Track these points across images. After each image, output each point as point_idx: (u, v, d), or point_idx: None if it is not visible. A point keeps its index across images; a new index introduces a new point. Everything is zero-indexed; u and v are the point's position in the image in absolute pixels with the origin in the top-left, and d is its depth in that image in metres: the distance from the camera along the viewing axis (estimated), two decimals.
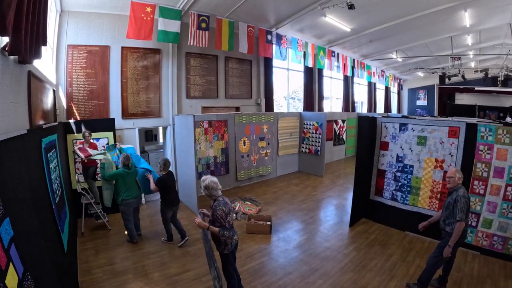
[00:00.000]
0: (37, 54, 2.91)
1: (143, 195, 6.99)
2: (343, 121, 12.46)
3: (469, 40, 11.06)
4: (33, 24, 2.50)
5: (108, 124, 6.10)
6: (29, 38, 2.45)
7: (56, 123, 4.74)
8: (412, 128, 5.18)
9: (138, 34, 5.99)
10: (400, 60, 14.17)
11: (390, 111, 19.19)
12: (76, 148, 5.20)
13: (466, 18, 8.39)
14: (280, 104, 11.77)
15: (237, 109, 9.15)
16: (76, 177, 5.69)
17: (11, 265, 1.51)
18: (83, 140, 5.44)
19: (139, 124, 6.94)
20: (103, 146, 5.76)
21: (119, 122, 6.49)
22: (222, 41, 7.43)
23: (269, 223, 5.33)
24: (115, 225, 5.56)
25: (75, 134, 5.70)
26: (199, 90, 8.05)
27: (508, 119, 14.58)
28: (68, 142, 5.61)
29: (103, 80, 6.33)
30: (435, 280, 3.62)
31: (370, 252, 4.55)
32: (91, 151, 5.13)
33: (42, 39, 2.97)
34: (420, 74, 18.14)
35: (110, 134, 6.10)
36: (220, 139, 7.71)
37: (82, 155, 4.96)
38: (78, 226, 5.38)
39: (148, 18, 6.01)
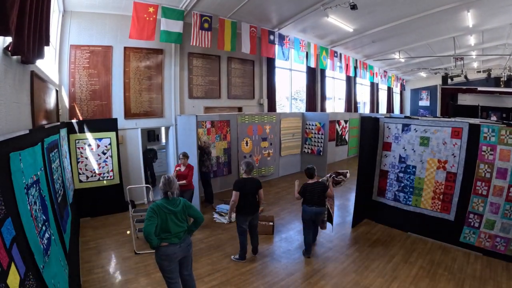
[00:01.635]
0: (40, 54, 2.91)
1: (147, 192, 6.94)
2: (346, 122, 12.43)
3: (472, 40, 11.01)
4: (36, 24, 2.51)
5: (110, 124, 6.13)
6: (32, 38, 2.45)
7: (59, 123, 4.76)
8: (415, 129, 5.16)
9: (141, 34, 6.00)
10: (402, 60, 14.13)
11: (393, 112, 19.13)
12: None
13: (469, 18, 8.35)
14: (283, 105, 11.75)
15: (240, 109, 9.15)
16: (79, 177, 5.71)
17: (13, 265, 1.51)
18: (180, 163, 5.41)
19: (142, 124, 6.95)
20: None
21: (122, 122, 6.51)
22: (224, 42, 7.42)
23: (271, 223, 5.32)
24: (117, 225, 5.58)
25: (78, 134, 5.73)
26: (201, 90, 8.05)
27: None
28: (71, 142, 5.64)
29: (106, 80, 6.35)
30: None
31: (373, 253, 4.54)
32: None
33: (45, 39, 2.98)
34: (423, 74, 18.07)
35: (112, 134, 6.12)
36: (222, 139, 7.71)
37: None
38: (81, 226, 5.40)
39: (151, 19, 6.02)
